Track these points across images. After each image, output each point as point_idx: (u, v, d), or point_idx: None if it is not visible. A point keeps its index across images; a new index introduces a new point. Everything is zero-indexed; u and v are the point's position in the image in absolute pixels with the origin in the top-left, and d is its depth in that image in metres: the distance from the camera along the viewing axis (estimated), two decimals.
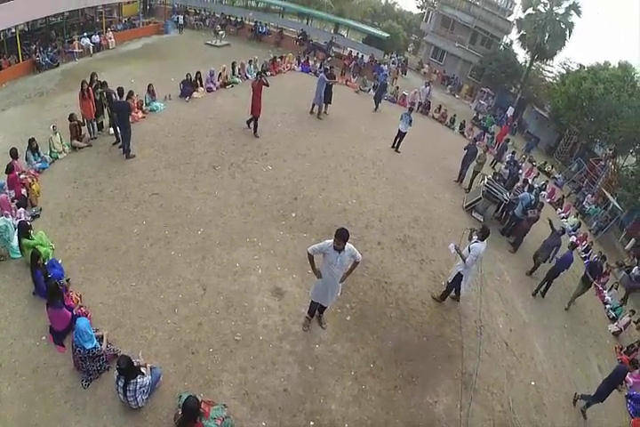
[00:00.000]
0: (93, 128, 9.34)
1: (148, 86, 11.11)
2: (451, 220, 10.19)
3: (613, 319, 10.80)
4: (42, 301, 5.23)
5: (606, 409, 7.18)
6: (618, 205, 16.28)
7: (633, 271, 13.72)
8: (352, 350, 6.09)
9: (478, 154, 12.72)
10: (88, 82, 9.22)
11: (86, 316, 5.21)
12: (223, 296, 6.12)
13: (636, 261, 14.82)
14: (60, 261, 5.95)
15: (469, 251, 6.87)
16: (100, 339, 4.91)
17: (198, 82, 12.96)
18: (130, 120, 8.86)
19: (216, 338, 5.54)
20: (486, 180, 11.79)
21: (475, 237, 7.08)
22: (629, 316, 10.64)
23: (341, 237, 5.03)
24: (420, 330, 6.88)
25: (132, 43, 17.13)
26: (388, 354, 6.26)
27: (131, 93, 10.03)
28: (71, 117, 8.65)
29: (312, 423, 5.05)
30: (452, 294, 7.67)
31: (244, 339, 5.64)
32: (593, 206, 17.60)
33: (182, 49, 17.45)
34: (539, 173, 18.67)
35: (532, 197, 10.99)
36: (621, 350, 9.57)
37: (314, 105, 13.27)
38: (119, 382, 4.36)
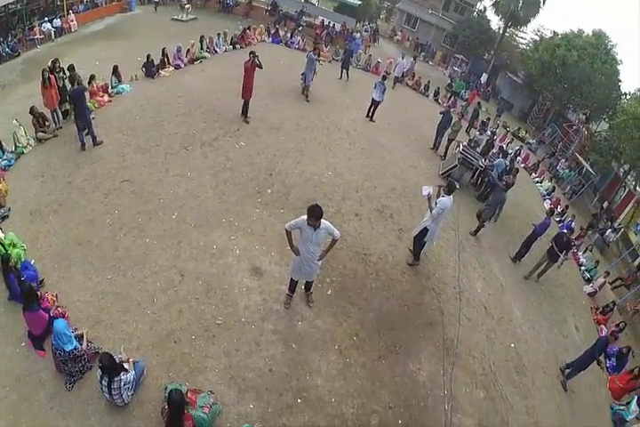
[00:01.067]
0: (58, 117, 8.63)
1: (114, 68, 10.34)
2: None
3: (588, 281, 11.03)
4: (18, 306, 4.89)
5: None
6: (591, 170, 16.35)
7: (607, 234, 13.93)
8: (335, 324, 5.97)
9: (453, 121, 12.44)
10: (49, 69, 8.47)
11: (64, 316, 4.92)
12: (202, 280, 5.87)
13: (609, 223, 15.03)
14: (32, 262, 5.55)
15: (436, 205, 6.80)
16: (80, 338, 4.65)
17: (165, 59, 12.15)
18: (89, 106, 8.26)
19: (197, 324, 5.33)
20: (461, 147, 11.61)
21: (442, 193, 6.98)
22: (604, 277, 10.82)
23: (313, 214, 4.78)
24: (400, 299, 6.80)
25: (96, 23, 15.90)
26: (370, 325, 6.17)
27: (92, 78, 9.32)
28: (32, 111, 8.01)
29: (299, 401, 4.96)
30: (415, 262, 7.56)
31: (226, 322, 5.45)
32: (567, 171, 17.69)
33: (148, 26, 16.35)
34: (513, 139, 18.54)
35: (507, 162, 10.84)
36: (597, 310, 9.80)
37: (305, 86, 12.41)
38: (103, 381, 4.15)
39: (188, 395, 4.46)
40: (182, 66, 12.51)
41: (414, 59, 17.23)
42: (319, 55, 12.68)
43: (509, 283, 8.59)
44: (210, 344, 5.16)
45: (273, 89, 12.23)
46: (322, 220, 4.92)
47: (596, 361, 7.02)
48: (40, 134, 8.15)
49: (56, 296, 5.17)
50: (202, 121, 9.42)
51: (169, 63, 12.25)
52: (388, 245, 7.77)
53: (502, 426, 5.79)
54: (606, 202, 17.15)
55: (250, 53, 9.16)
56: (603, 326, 9.30)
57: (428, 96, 19.26)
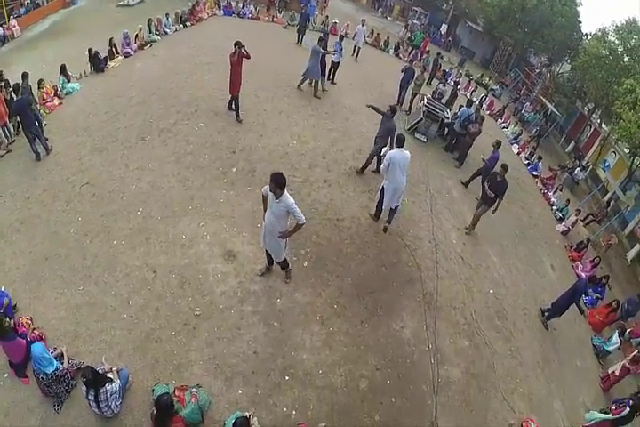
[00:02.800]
0: (9, 132, 7.58)
1: (61, 68, 9.26)
2: None
3: (561, 220, 10.81)
4: None
5: None
6: (556, 111, 15.70)
7: (575, 172, 13.55)
8: (314, 295, 5.65)
9: (416, 75, 11.61)
10: None
11: (41, 338, 4.51)
12: (175, 274, 5.42)
13: (577, 162, 14.61)
14: (3, 288, 4.97)
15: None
16: (61, 357, 4.28)
17: (113, 49, 10.96)
18: (37, 114, 7.38)
19: (176, 319, 4.95)
20: (426, 100, 11.00)
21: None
22: (576, 215, 10.59)
23: (273, 180, 4.39)
24: (377, 260, 6.47)
25: (39, 24, 14.22)
26: (349, 291, 5.87)
27: (40, 83, 8.34)
28: None
29: (287, 378, 4.71)
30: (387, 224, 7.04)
31: (205, 312, 5.08)
32: (532, 114, 17.04)
33: (93, 17, 14.73)
34: (477, 87, 17.65)
35: (471, 111, 10.23)
36: (571, 247, 9.61)
37: (304, 79, 10.59)
38: (89, 396, 3.83)
39: (176, 393, 4.20)
40: (132, 53, 11.31)
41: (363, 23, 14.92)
42: (325, 46, 10.54)
43: (483, 230, 8.29)
44: (191, 337, 4.82)
45: (227, 63, 11.10)
46: (286, 194, 4.52)
47: (577, 308, 6.88)
48: None
49: (31, 319, 4.70)
50: (158, 107, 8.57)
51: (117, 53, 11.07)
52: (360, 207, 7.36)
53: (488, 371, 5.68)
54: (573, 141, 16.64)
55: (235, 45, 7.80)
56: (578, 263, 9.17)
57: (388, 52, 18.18)
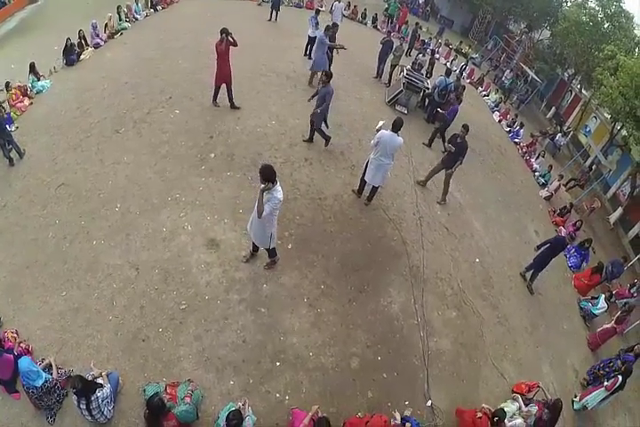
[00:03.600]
0: None
1: (30, 66, 8.57)
2: (375, 117, 8.96)
3: (543, 186, 10.52)
4: None
5: (548, 267, 6.88)
6: (536, 78, 15.00)
7: (557, 138, 13.06)
8: (300, 277, 5.42)
9: (395, 46, 10.93)
10: None
11: (28, 351, 4.25)
12: (158, 269, 5.13)
13: (558, 128, 14.09)
14: None
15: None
16: (49, 368, 4.04)
17: (83, 42, 10.17)
18: (6, 118, 6.85)
19: (162, 316, 4.70)
20: (405, 71, 10.41)
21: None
22: (558, 180, 10.32)
23: (260, 174, 4.13)
24: (362, 237, 6.22)
25: (6, 23, 13.16)
26: (335, 270, 5.65)
27: (7, 86, 7.71)
28: None
29: (278, 364, 4.55)
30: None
31: (190, 305, 4.83)
32: (511, 79, 16.29)
33: (61, 10, 13.64)
34: (456, 56, 16.83)
35: (449, 80, 9.67)
36: (555, 213, 9.36)
37: (313, 74, 9.48)
38: (81, 405, 3.63)
39: (168, 391, 4.00)
40: (102, 44, 10.52)
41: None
42: (333, 37, 9.46)
43: (467, 199, 8.05)
44: (179, 332, 4.59)
45: (199, 44, 10.38)
46: (277, 188, 4.19)
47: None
48: None
49: (16, 332, 4.42)
50: (131, 97, 8.00)
51: (87, 45, 10.29)
52: (342, 184, 7.03)
53: (477, 339, 5.58)
54: (554, 107, 16.03)
55: (221, 32, 7.10)
56: (562, 228, 8.99)
57: (366, 24, 17.18)
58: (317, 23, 10.64)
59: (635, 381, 6.17)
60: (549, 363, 5.83)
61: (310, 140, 7.60)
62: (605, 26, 13.73)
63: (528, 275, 6.83)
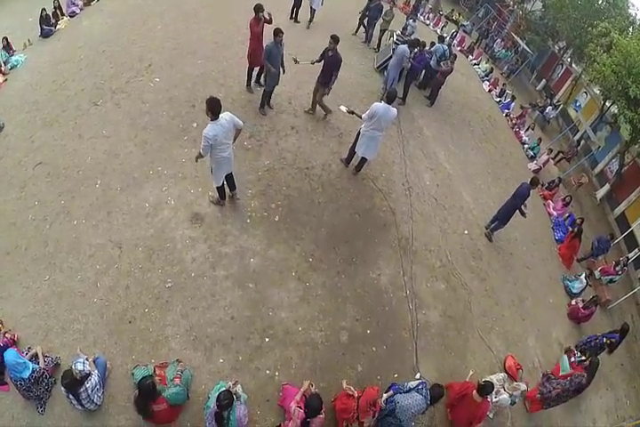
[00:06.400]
0: None
1: (2, 41, 7.55)
2: (363, 84, 8.51)
3: (532, 158, 10.07)
4: None
5: (535, 240, 6.54)
6: (528, 49, 13.95)
7: (547, 111, 12.25)
8: (288, 250, 5.09)
9: (384, 11, 9.88)
10: None
11: (14, 341, 3.89)
12: (142, 247, 4.73)
13: (548, 101, 13.23)
14: None
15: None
16: (36, 357, 3.73)
17: (58, 12, 9.02)
18: None
19: (148, 295, 4.36)
20: (395, 36, 9.59)
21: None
22: (547, 154, 9.88)
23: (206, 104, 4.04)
24: (350, 208, 5.87)
25: None
26: (324, 242, 5.33)
27: None
28: None
29: (267, 340, 4.32)
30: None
31: (176, 283, 4.50)
32: (503, 51, 15.32)
33: None
34: (447, 23, 15.60)
35: (445, 47, 8.79)
36: (543, 186, 8.91)
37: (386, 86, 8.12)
38: (70, 396, 3.40)
39: (157, 372, 3.77)
40: (78, 11, 9.39)
41: None
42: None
43: (457, 170, 7.70)
44: (165, 311, 4.29)
45: (181, 9, 9.29)
46: (210, 124, 4.07)
47: (519, 211, 6.09)
48: None
49: (1, 322, 4.05)
50: (109, 67, 7.19)
51: (63, 14, 9.13)
52: (330, 152, 6.56)
53: (465, 312, 5.44)
54: (544, 80, 15.03)
55: (256, 10, 6.01)
56: (550, 202, 8.70)
57: None
58: None
59: (617, 356, 6.22)
60: (535, 336, 5.72)
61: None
62: (600, 2, 12.93)
63: (492, 226, 6.44)
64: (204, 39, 8.38)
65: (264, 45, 6.12)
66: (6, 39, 7.83)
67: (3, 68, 7.47)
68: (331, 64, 6.14)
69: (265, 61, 6.07)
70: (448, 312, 5.21)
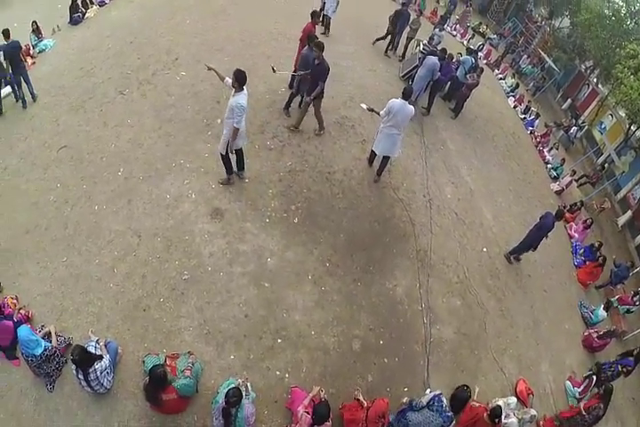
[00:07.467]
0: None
1: (32, 25, 7.92)
2: (387, 92, 8.55)
3: (555, 179, 10.09)
4: None
5: (554, 264, 6.63)
6: (554, 66, 14.25)
7: (571, 131, 12.42)
8: (305, 253, 5.18)
9: (412, 19, 10.18)
10: None
11: (28, 317, 4.06)
12: (160, 237, 4.86)
13: (573, 121, 13.41)
14: None
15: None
16: (49, 336, 3.87)
17: (88, 1, 9.42)
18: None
19: (164, 285, 4.48)
20: (422, 45, 9.84)
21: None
22: (570, 175, 9.93)
23: (234, 76, 4.56)
24: (370, 215, 5.95)
25: None
26: (341, 248, 5.41)
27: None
28: None
29: (279, 341, 4.40)
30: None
31: (193, 276, 4.61)
32: (529, 67, 15.59)
33: None
34: (474, 35, 15.90)
35: (473, 60, 9.04)
36: (565, 208, 8.98)
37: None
38: (79, 376, 3.50)
39: (167, 362, 3.87)
40: (107, 1, 9.79)
41: None
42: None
43: (478, 185, 7.75)
44: (180, 303, 4.39)
45: (210, 6, 9.62)
46: (242, 93, 4.57)
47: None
48: None
49: (16, 298, 4.22)
50: (136, 58, 7.46)
51: (92, 2, 9.53)
52: (352, 158, 6.66)
53: (480, 331, 5.46)
54: (570, 99, 15.29)
55: (312, 15, 6.49)
56: (572, 224, 8.70)
57: None
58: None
59: (629, 389, 6.23)
60: (549, 361, 5.73)
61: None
62: (629, 23, 13.07)
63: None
64: (231, 37, 8.59)
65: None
66: (36, 23, 8.12)
67: (32, 52, 7.81)
68: (317, 73, 5.90)
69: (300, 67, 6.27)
70: (462, 330, 5.24)
